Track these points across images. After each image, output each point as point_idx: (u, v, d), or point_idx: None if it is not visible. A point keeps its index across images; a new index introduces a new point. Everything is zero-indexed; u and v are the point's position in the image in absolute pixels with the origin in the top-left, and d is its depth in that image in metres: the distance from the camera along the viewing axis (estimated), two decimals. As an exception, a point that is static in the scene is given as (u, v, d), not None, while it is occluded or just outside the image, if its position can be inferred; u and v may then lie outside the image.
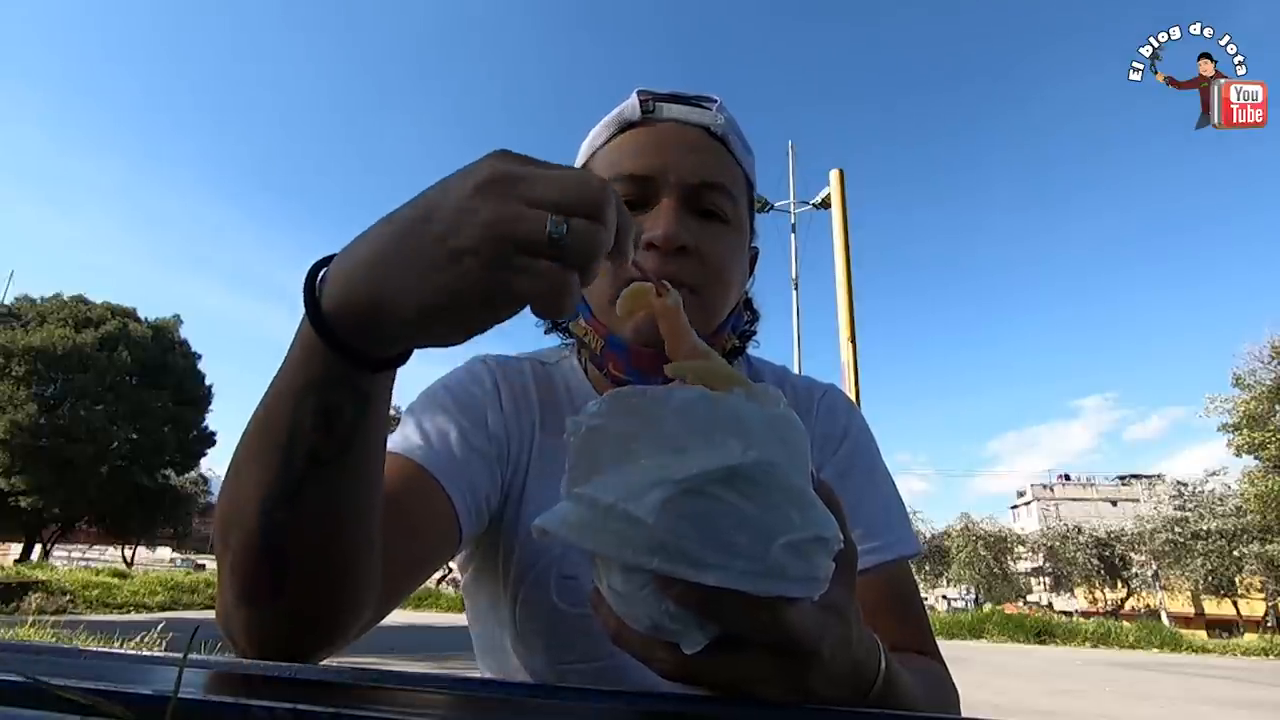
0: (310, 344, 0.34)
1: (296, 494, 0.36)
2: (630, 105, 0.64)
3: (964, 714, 0.40)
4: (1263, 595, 24.34)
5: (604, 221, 0.31)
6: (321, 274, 0.35)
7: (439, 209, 0.31)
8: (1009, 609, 23.88)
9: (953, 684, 0.56)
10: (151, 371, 22.83)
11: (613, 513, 0.28)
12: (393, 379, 0.38)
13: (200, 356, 25.33)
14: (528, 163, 0.32)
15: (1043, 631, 18.35)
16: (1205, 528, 23.41)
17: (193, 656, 0.29)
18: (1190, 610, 29.99)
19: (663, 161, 0.61)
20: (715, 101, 0.66)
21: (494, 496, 0.60)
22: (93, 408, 20.66)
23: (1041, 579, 31.59)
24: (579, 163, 0.68)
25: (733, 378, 0.34)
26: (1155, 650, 17.13)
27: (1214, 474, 25.88)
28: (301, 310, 0.34)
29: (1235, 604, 25.95)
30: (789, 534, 0.28)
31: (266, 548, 0.37)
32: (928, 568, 30.26)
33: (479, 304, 0.31)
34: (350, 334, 0.33)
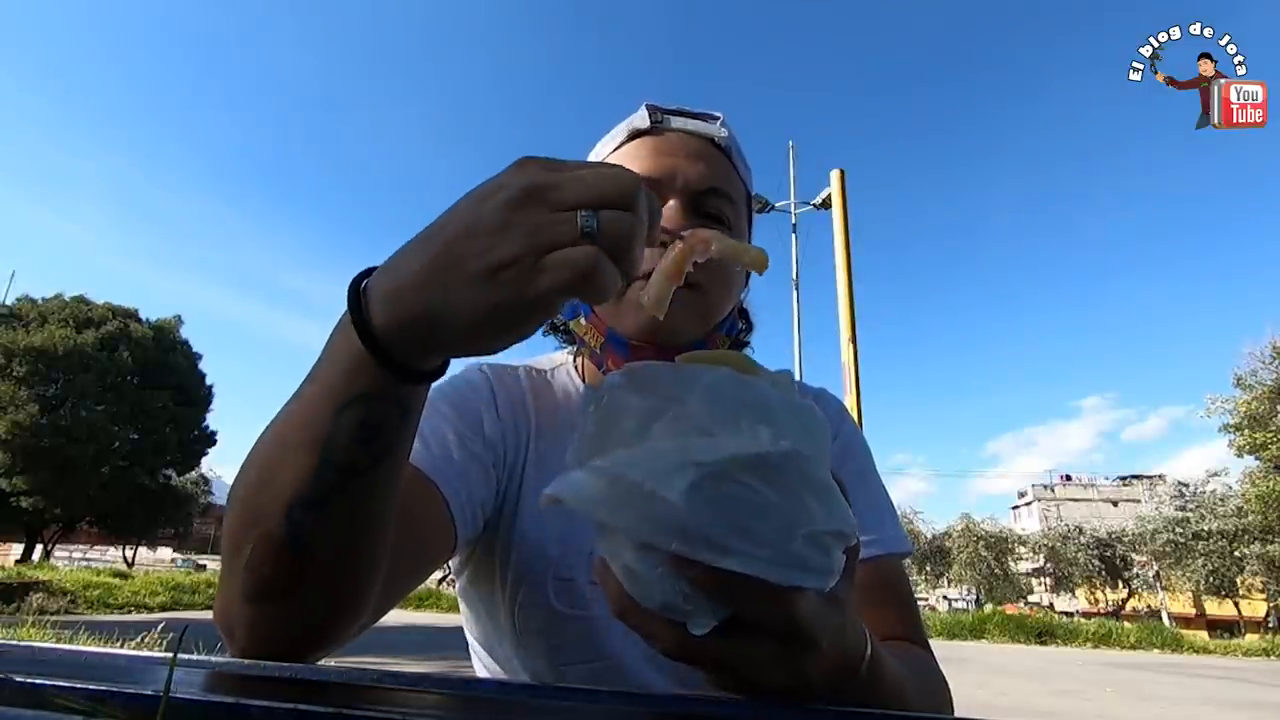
0: (357, 359, 0.35)
1: (325, 501, 0.37)
2: (640, 116, 0.68)
3: (963, 714, 0.40)
4: (1264, 596, 24.27)
5: (636, 209, 0.33)
6: (363, 286, 0.35)
7: (477, 226, 0.32)
8: (1010, 609, 23.84)
9: (940, 673, 0.57)
10: (152, 372, 22.82)
11: (637, 491, 0.27)
12: (428, 388, 0.39)
13: (201, 356, 25.36)
14: (555, 167, 0.33)
15: (1043, 632, 18.33)
16: (1206, 528, 23.37)
17: (191, 656, 0.29)
18: (1191, 611, 29.97)
19: (671, 166, 0.64)
20: (719, 118, 0.70)
21: (489, 502, 0.61)
22: (94, 408, 20.67)
23: (1042, 579, 31.54)
24: None
25: (752, 365, 0.34)
26: (1156, 651, 17.11)
27: (1215, 474, 25.90)
28: (324, 327, 0.36)
29: (1236, 605, 25.89)
30: (811, 525, 0.28)
31: (287, 548, 0.37)
32: (929, 568, 30.22)
33: (524, 312, 0.32)
34: (402, 351, 0.34)
